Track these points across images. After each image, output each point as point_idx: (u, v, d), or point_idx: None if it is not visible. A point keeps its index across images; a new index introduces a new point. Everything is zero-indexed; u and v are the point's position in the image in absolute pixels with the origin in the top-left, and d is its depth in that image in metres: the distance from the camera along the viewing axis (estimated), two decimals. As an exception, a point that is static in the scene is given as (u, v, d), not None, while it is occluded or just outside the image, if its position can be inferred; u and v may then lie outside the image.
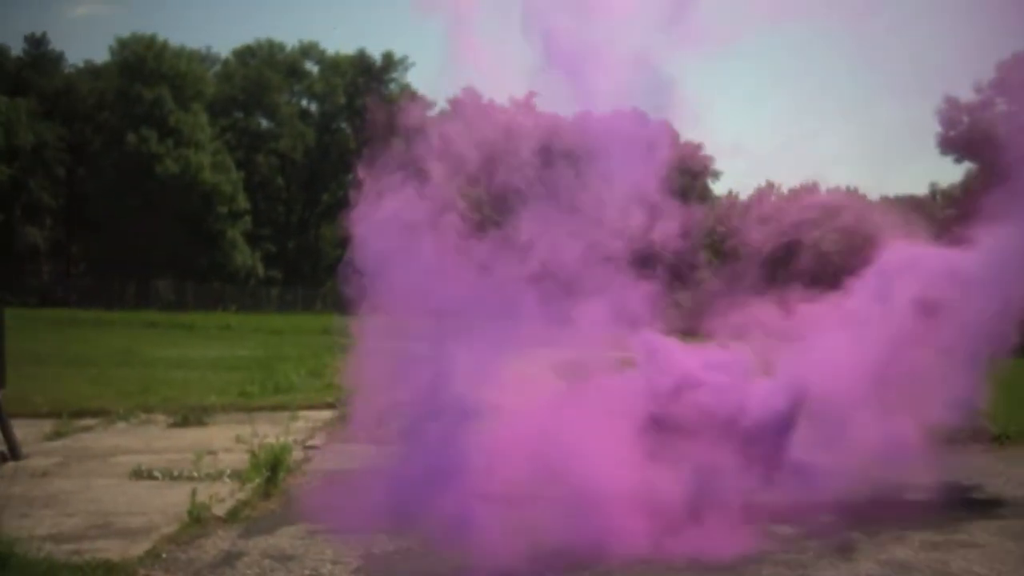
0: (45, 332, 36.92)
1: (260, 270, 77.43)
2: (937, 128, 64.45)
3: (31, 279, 72.90)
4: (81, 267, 78.26)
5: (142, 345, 33.64)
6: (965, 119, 61.81)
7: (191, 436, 14.40)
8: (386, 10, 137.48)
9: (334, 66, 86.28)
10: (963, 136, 60.24)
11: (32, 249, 72.87)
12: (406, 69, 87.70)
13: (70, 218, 75.72)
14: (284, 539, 8.61)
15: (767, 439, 10.42)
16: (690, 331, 12.49)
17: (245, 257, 76.09)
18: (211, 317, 55.93)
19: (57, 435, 14.33)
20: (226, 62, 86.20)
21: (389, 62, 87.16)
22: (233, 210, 75.16)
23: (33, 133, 70.57)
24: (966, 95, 63.59)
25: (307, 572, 7.62)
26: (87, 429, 15.18)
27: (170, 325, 49.51)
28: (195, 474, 11.15)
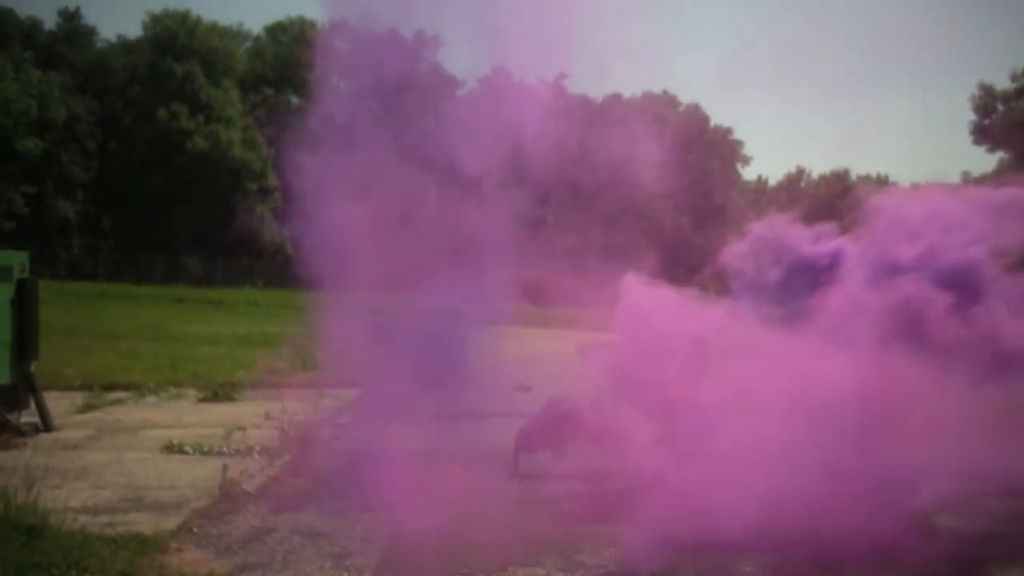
0: (75, 305, 37.24)
1: (288, 247, 77.56)
2: (971, 116, 63.81)
3: (61, 252, 73.38)
4: (111, 241, 78.65)
5: (171, 320, 33.89)
6: (1000, 107, 61.23)
7: (220, 411, 14.53)
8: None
9: (365, 44, 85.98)
10: (997, 125, 59.73)
11: (63, 223, 73.24)
12: (437, 48, 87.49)
13: (101, 192, 76.01)
14: (314, 516, 8.69)
15: None
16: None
17: (273, 234, 76.25)
18: (239, 293, 56.19)
19: (88, 408, 14.51)
20: (257, 38, 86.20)
21: (420, 40, 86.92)
22: (262, 187, 75.32)
23: (65, 107, 70.83)
24: (1001, 83, 63.10)
25: (336, 549, 7.68)
26: (118, 402, 15.35)
27: (198, 301, 49.82)
28: (225, 449, 11.27)
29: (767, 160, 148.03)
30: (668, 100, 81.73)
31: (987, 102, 62.98)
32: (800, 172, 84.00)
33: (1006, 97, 62.19)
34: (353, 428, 13.57)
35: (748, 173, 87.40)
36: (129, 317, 34.66)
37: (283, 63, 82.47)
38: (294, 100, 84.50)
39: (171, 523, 8.16)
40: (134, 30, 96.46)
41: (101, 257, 77.08)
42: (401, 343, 10.08)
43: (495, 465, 10.97)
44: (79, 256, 76.36)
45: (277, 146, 77.19)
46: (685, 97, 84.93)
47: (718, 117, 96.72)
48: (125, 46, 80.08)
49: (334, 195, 9.81)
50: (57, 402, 13.60)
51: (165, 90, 72.52)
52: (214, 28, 77.97)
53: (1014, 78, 62.51)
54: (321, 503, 9.13)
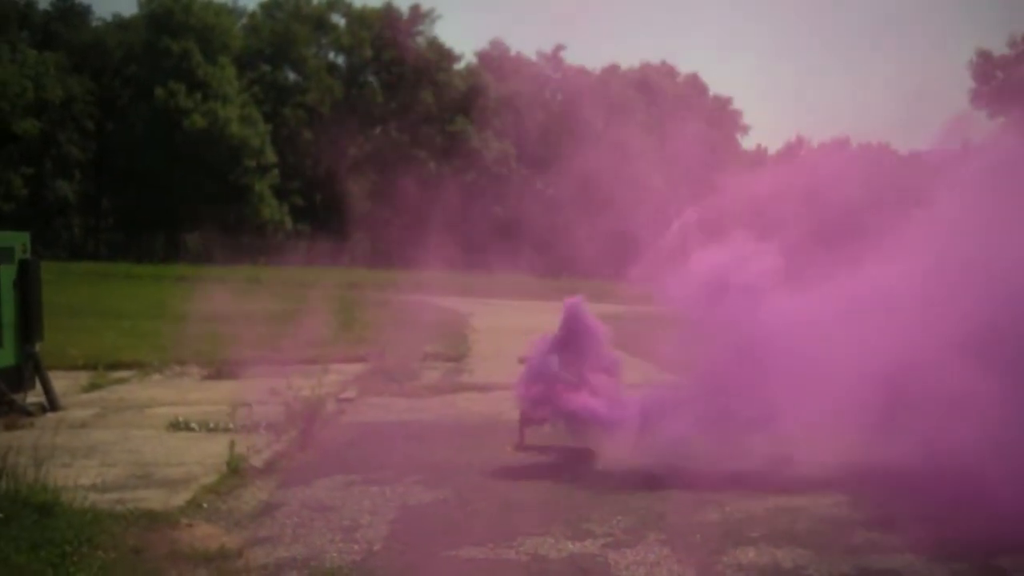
0: (77, 285, 37.24)
1: (288, 224, 77.56)
2: (970, 82, 63.58)
3: (62, 233, 73.44)
4: (110, 221, 78.69)
5: (173, 298, 33.86)
6: (999, 74, 61.09)
7: (225, 388, 14.55)
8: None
9: (361, 19, 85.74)
10: (996, 91, 59.58)
11: (62, 203, 73.29)
12: (433, 22, 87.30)
13: (100, 172, 76.01)
14: (322, 490, 8.73)
15: None
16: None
17: (273, 211, 76.23)
18: (240, 271, 56.12)
19: (93, 387, 14.54)
20: (253, 15, 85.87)
21: (416, 15, 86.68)
22: (261, 164, 75.14)
23: (62, 87, 70.65)
24: (1000, 48, 62.89)
25: (346, 522, 7.72)
26: (122, 381, 15.39)
27: (199, 278, 49.72)
28: (231, 426, 11.28)
29: (767, 129, 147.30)
30: (666, 71, 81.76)
31: (986, 68, 62.81)
32: (800, 140, 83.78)
33: (1005, 63, 62.02)
34: (358, 402, 13.65)
35: (747, 142, 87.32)
36: (131, 296, 34.75)
37: (279, 39, 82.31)
38: (291, 76, 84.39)
39: (180, 499, 8.19)
40: (129, 8, 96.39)
41: (101, 237, 77.18)
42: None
43: (501, 436, 11.03)
44: (79, 236, 76.47)
45: (275, 122, 77.29)
46: (684, 68, 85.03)
47: (717, 87, 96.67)
48: (121, 24, 79.91)
49: None
50: (62, 382, 13.61)
51: (162, 68, 72.32)
52: (209, 5, 77.68)
53: (1012, 44, 62.37)
54: (329, 477, 9.16)
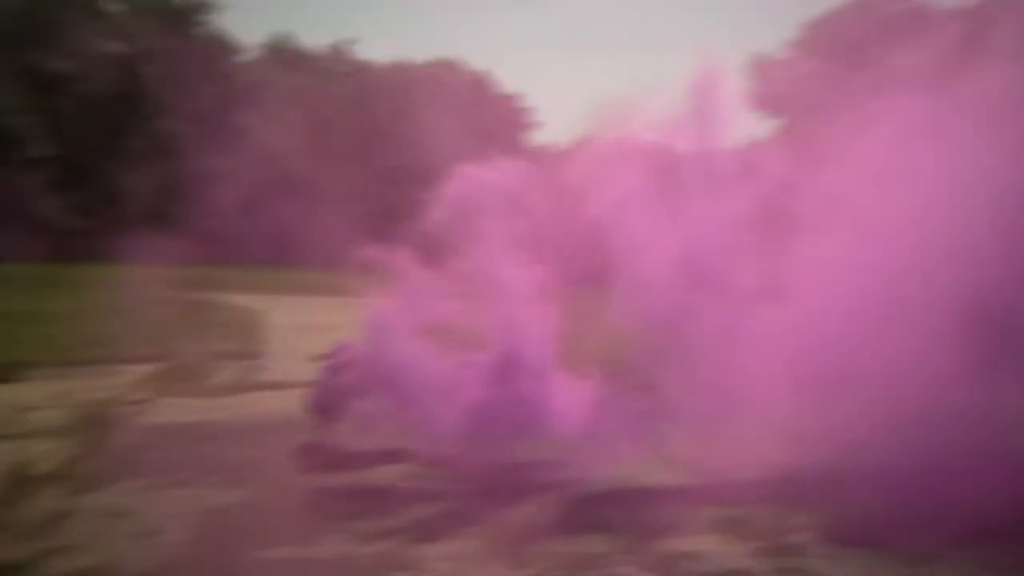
0: None
1: (66, 219, 74.11)
2: (747, 83, 66.53)
3: None
4: None
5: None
6: (773, 76, 64.19)
7: (5, 393, 13.80)
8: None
9: (140, 6, 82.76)
10: (771, 93, 62.56)
11: None
12: (218, 12, 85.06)
13: None
14: (116, 495, 8.45)
15: None
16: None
17: (48, 206, 72.71)
18: (15, 268, 53.26)
19: None
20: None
21: (199, 4, 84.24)
22: (34, 156, 71.60)
23: None
24: (774, 51, 66.21)
25: (144, 527, 7.51)
26: None
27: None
28: (13, 432, 10.74)
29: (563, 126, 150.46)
30: (447, 66, 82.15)
31: (763, 70, 65.86)
32: (586, 138, 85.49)
33: (781, 65, 65.12)
34: (151, 403, 13.22)
35: (542, 139, 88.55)
36: None
37: (53, 25, 78.56)
38: (65, 65, 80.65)
39: (-38, 511, 7.78)
40: None
41: None
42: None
43: (300, 434, 10.93)
44: None
45: (49, 113, 73.65)
46: (488, 67, 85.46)
47: (514, 85, 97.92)
48: None
49: None
50: None
51: (-79, 52, 67.82)
52: (-27, -14, 73.28)
53: (786, 47, 65.62)
54: (125, 482, 8.86)
